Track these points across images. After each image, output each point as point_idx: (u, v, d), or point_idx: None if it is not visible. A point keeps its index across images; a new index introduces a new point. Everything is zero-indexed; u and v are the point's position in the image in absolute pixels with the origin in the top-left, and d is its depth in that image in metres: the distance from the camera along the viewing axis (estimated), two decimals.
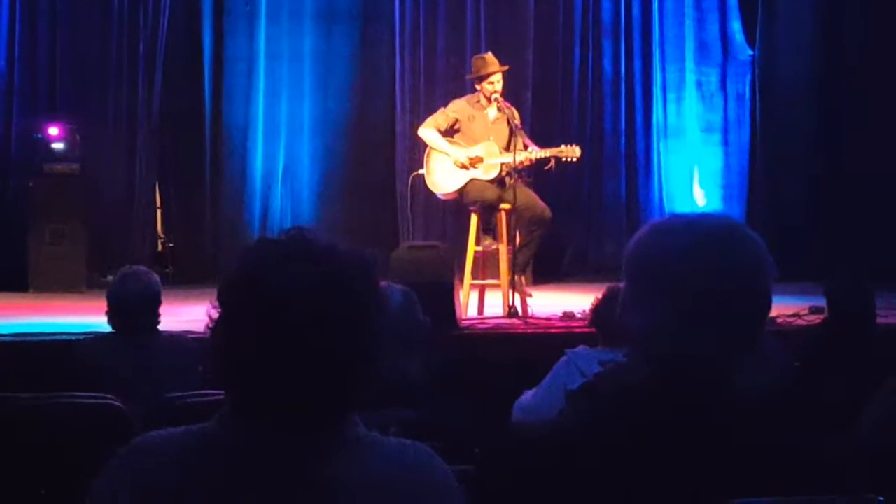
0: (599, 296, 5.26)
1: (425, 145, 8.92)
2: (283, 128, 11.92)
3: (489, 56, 8.94)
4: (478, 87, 8.90)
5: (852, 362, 5.41)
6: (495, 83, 8.76)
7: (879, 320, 6.68)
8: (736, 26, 12.26)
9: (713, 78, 12.33)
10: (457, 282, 8.13)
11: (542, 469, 1.99)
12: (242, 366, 1.90)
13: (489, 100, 8.78)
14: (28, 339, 7.24)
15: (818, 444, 2.03)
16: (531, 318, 8.32)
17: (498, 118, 8.82)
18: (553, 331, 7.74)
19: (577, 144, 8.79)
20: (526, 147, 8.67)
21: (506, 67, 8.94)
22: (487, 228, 8.74)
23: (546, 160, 8.61)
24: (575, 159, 8.68)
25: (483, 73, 8.83)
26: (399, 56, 11.92)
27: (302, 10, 11.92)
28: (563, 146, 8.67)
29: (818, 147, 12.07)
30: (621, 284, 2.11)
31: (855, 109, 11.96)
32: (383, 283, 2.03)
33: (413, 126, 10.80)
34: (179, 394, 4.45)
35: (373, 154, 12.06)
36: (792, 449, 2.00)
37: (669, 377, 2.00)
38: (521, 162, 8.51)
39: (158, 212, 11.83)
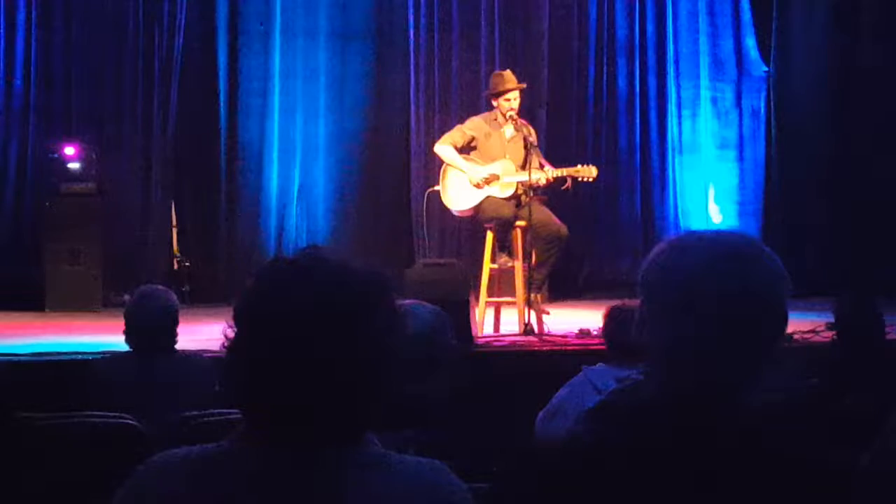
0: (604, 317, 5.26)
1: (441, 162, 8.92)
2: (299, 146, 11.94)
3: (507, 73, 8.94)
4: (494, 103, 8.90)
5: (865, 379, 5.40)
6: (512, 100, 8.76)
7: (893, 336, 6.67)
8: (750, 42, 12.26)
9: (728, 94, 12.33)
10: (472, 299, 8.12)
11: (561, 487, 1.99)
12: (257, 384, 1.90)
13: (506, 117, 8.78)
14: (45, 358, 7.24)
15: (836, 461, 2.02)
16: (547, 335, 8.29)
17: (514, 136, 8.81)
18: (569, 348, 7.72)
19: (592, 163, 8.79)
20: (542, 166, 8.66)
21: (523, 85, 8.95)
22: (503, 246, 8.74)
23: (563, 180, 8.60)
24: (591, 179, 8.68)
25: (500, 89, 8.82)
26: (414, 74, 11.95)
27: (317, 28, 11.95)
28: (579, 166, 8.67)
29: (834, 162, 12.04)
30: (629, 302, 2.11)
31: (870, 124, 11.93)
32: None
33: (428, 143, 10.82)
34: (196, 412, 4.45)
35: (388, 172, 12.09)
36: (810, 465, 1.99)
37: (686, 394, 2.00)
38: (538, 181, 8.51)
39: (174, 231, 11.84)
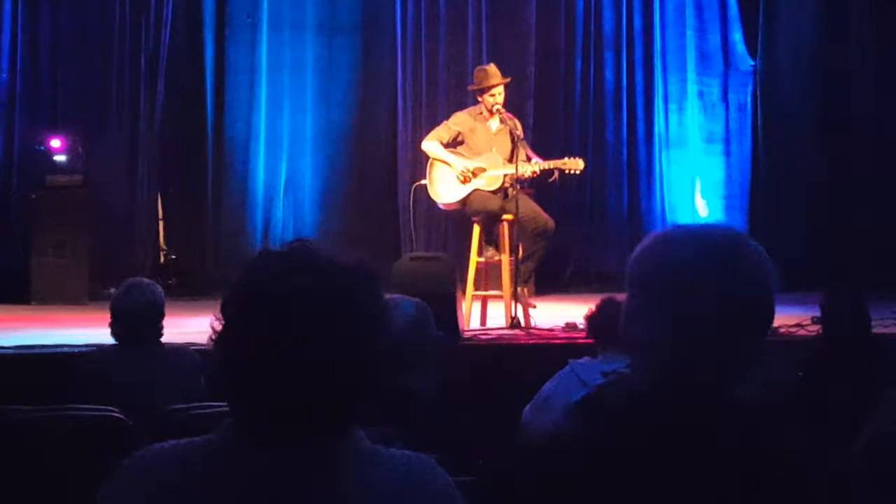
0: (594, 306, 5.28)
1: (428, 157, 8.92)
2: (285, 139, 11.93)
3: (491, 68, 8.94)
4: (479, 98, 8.91)
5: (852, 373, 5.42)
6: (496, 95, 8.76)
7: (882, 330, 6.68)
8: (737, 37, 12.27)
9: (715, 88, 12.33)
10: (459, 293, 8.13)
11: (548, 480, 1.99)
12: (245, 377, 1.90)
13: (491, 111, 8.79)
14: (31, 351, 7.23)
15: (822, 455, 2.03)
16: (534, 329, 8.31)
17: (500, 129, 8.82)
18: (555, 342, 7.73)
19: (579, 156, 8.79)
20: (529, 159, 8.66)
21: (507, 79, 8.94)
22: (490, 239, 8.74)
23: (550, 172, 8.61)
24: (578, 172, 8.68)
25: (485, 84, 8.83)
26: (401, 67, 11.93)
27: (304, 21, 11.93)
28: (566, 159, 8.67)
29: (820, 157, 12.06)
30: (619, 296, 2.11)
31: (857, 119, 11.96)
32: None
33: (415, 136, 10.82)
34: (182, 406, 4.45)
35: (375, 165, 12.08)
36: (796, 459, 2.00)
37: (672, 388, 2.00)
38: (524, 173, 8.51)
39: (161, 224, 11.83)
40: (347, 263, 1.96)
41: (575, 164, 8.62)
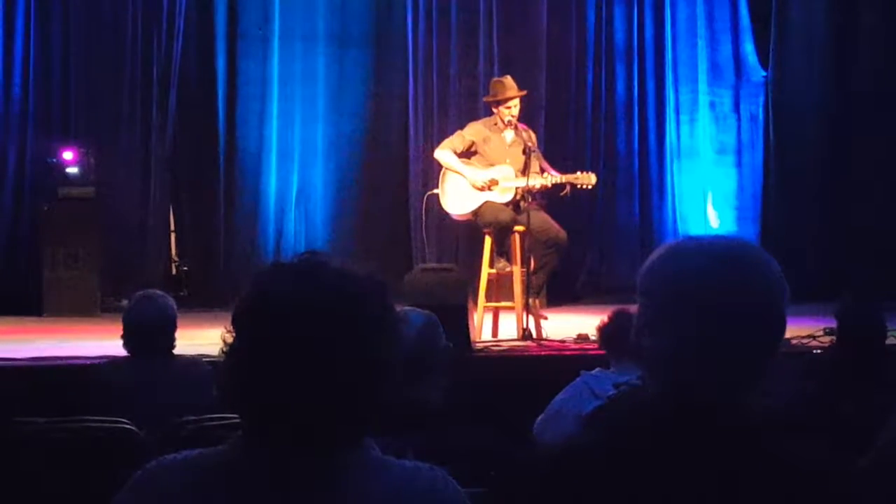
0: (606, 317, 5.29)
1: (440, 166, 8.92)
2: (297, 151, 11.94)
3: (508, 80, 8.93)
4: (495, 110, 8.90)
5: (865, 384, 5.40)
6: (512, 108, 8.76)
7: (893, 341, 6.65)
8: (749, 48, 12.26)
9: (726, 99, 12.32)
10: (471, 304, 8.11)
11: (559, 491, 1.99)
12: (256, 389, 1.90)
13: (505, 123, 8.78)
14: (43, 363, 7.24)
15: (834, 466, 2.02)
16: (545, 340, 8.29)
17: (515, 141, 8.81)
18: (567, 353, 7.73)
19: (590, 168, 8.81)
20: (542, 170, 8.66)
21: (524, 92, 8.94)
22: (501, 251, 8.73)
23: (562, 186, 8.60)
24: (590, 187, 8.67)
25: (501, 97, 8.82)
26: (412, 79, 11.95)
27: (315, 33, 11.95)
28: (578, 173, 8.66)
29: (831, 168, 12.05)
30: (631, 308, 2.10)
31: (868, 130, 11.94)
32: (406, 308, 2.03)
33: (426, 148, 10.83)
34: (194, 417, 4.45)
35: (386, 177, 12.08)
36: (809, 469, 1.99)
37: (684, 399, 1.99)
38: (535, 186, 8.51)
39: (172, 235, 11.85)
40: (359, 274, 1.97)
41: (587, 179, 8.61)
